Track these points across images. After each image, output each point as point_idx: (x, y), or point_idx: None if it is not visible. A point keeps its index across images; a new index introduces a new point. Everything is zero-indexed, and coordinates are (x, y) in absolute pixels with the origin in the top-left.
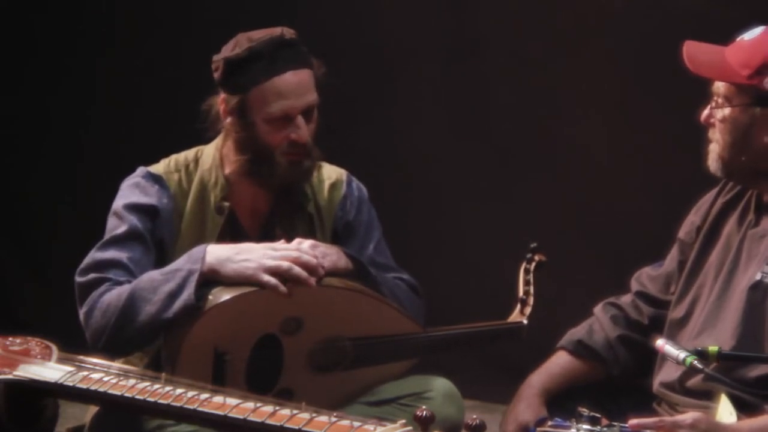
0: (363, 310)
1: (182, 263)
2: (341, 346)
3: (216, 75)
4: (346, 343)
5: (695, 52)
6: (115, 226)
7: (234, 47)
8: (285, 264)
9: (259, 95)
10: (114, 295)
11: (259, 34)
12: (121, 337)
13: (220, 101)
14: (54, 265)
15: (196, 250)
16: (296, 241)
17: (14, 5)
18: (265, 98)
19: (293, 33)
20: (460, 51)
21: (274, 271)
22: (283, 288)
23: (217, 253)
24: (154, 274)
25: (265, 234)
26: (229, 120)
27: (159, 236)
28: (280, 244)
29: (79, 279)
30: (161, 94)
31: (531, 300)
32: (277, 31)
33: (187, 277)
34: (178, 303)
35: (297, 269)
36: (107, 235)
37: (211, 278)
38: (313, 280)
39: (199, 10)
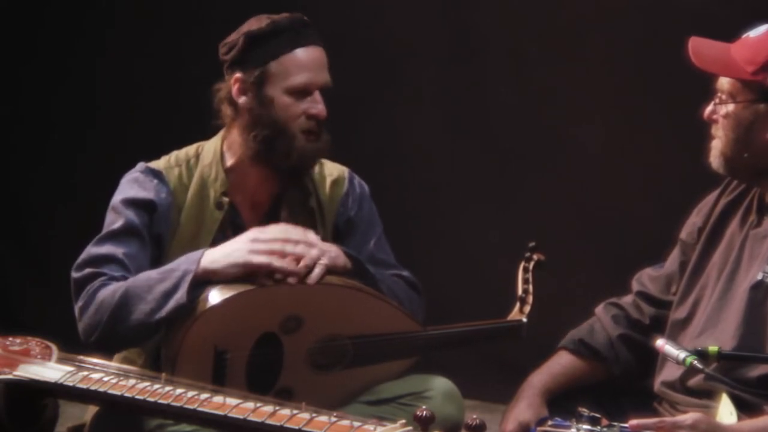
0: (362, 309)
1: (179, 263)
2: (341, 345)
3: (232, 54)
4: (345, 342)
5: (701, 48)
6: (112, 221)
7: (252, 25)
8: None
9: (280, 67)
10: (108, 292)
11: (277, 15)
12: (114, 334)
13: (233, 81)
14: (54, 266)
15: (195, 253)
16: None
17: (14, 5)
18: (287, 69)
19: None
20: (461, 50)
21: (265, 253)
22: (277, 263)
23: (212, 256)
24: (150, 273)
25: None
26: (243, 99)
27: (156, 231)
28: (270, 227)
29: (74, 274)
30: (162, 93)
31: (530, 298)
32: (291, 13)
33: (182, 277)
34: (172, 303)
35: (279, 263)
36: (104, 230)
37: (204, 279)
38: (314, 279)
39: (200, 9)
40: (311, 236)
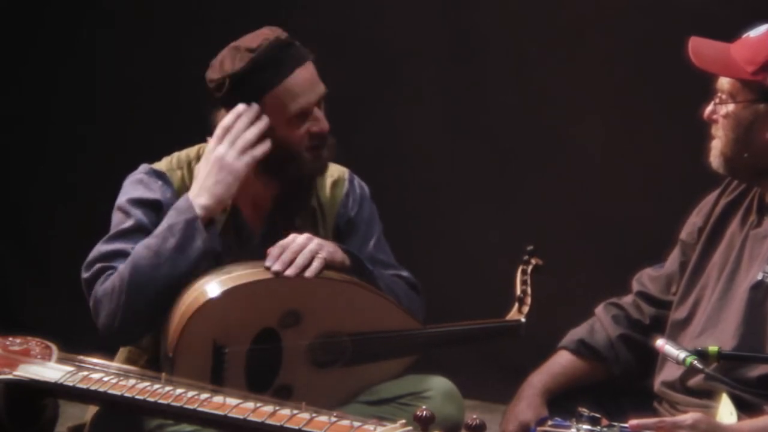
0: (361, 305)
1: (174, 219)
2: (340, 342)
3: (220, 92)
4: (344, 339)
5: (701, 48)
6: (120, 221)
7: (233, 61)
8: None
9: (273, 100)
10: (115, 278)
11: (255, 42)
12: (136, 313)
13: None
14: (54, 266)
15: (180, 204)
16: (291, 236)
17: (14, 5)
18: (281, 101)
19: (283, 31)
20: (461, 50)
21: (238, 153)
22: (258, 152)
23: (202, 201)
24: (146, 242)
25: (269, 229)
26: None
27: None
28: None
29: (84, 274)
30: (162, 93)
31: (528, 299)
32: (268, 34)
33: (187, 227)
34: (193, 252)
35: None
36: (113, 230)
37: (206, 218)
38: (312, 271)
39: (200, 9)
40: (239, 107)
